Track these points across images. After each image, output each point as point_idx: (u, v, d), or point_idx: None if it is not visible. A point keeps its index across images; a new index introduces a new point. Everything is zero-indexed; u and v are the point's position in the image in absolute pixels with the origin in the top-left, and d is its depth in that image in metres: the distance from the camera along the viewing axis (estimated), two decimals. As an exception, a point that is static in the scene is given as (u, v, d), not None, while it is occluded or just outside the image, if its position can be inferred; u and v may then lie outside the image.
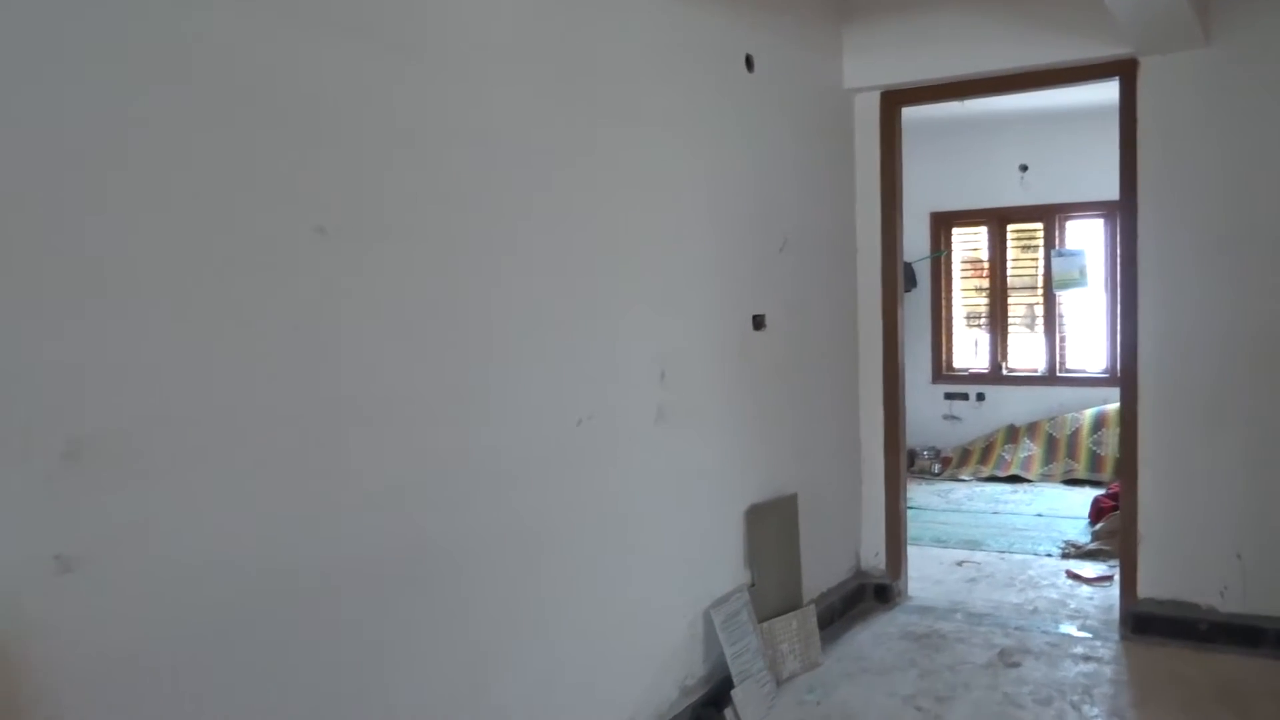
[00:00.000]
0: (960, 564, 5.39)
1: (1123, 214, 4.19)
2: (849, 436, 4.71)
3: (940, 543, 5.82)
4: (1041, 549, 5.62)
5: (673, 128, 3.31)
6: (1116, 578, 4.87)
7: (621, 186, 3.04)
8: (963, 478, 7.67)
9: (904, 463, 4.84)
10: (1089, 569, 5.15)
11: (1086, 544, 5.55)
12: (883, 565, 4.78)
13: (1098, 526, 5.68)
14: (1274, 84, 3.85)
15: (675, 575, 3.32)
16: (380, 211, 2.20)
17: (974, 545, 5.74)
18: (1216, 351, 4.00)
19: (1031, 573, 5.18)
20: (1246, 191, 3.92)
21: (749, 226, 3.79)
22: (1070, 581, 5.01)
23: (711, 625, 3.46)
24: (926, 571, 5.17)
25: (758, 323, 3.85)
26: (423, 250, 2.31)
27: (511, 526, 2.59)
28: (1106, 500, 6.10)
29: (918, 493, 7.19)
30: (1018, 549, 5.64)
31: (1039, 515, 6.43)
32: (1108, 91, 7.24)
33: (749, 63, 3.77)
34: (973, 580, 5.09)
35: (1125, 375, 4.23)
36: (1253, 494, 3.96)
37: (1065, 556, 5.44)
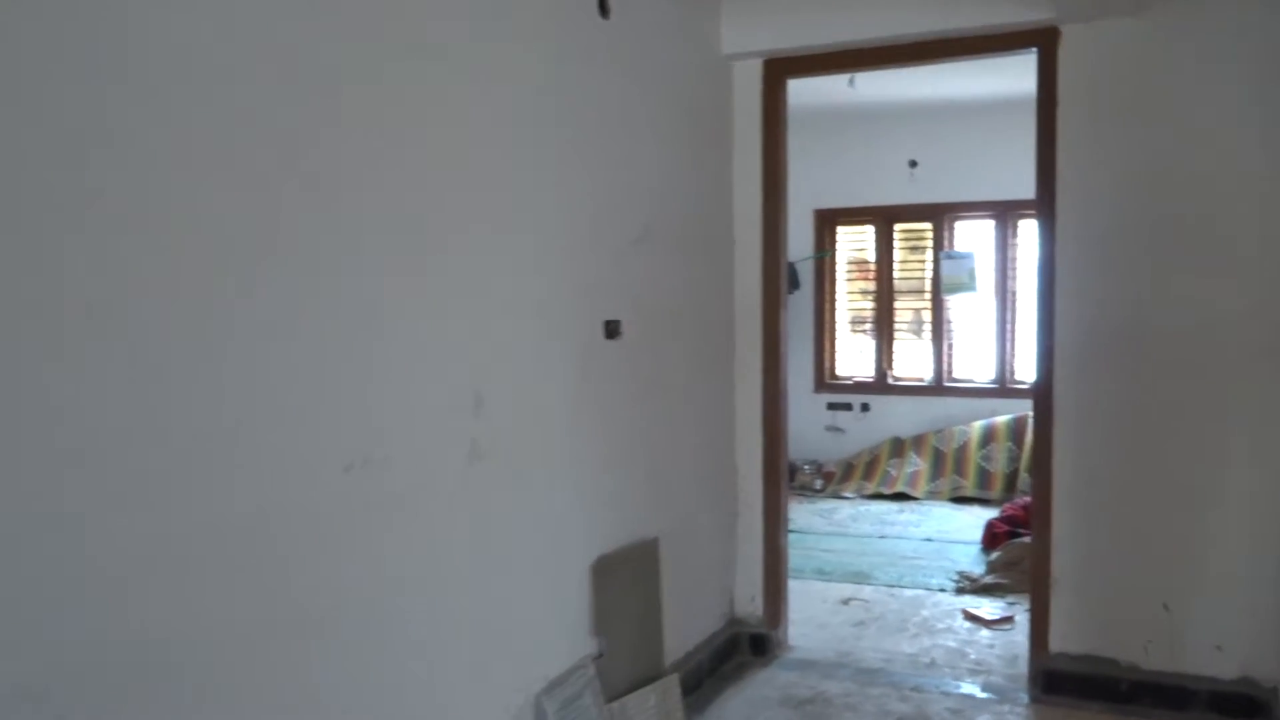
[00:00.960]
0: (847, 602, 4.78)
1: (1041, 206, 3.62)
2: (722, 463, 4.02)
3: (824, 575, 5.21)
4: (934, 581, 5.05)
5: (495, 76, 2.54)
6: (1019, 619, 4.35)
7: (424, 155, 2.25)
8: (846, 495, 7.12)
9: (785, 492, 4.19)
10: (986, 608, 4.59)
11: (982, 576, 5.01)
12: (760, 611, 4.10)
13: (993, 556, 5.15)
14: (1211, 59, 3.32)
15: (496, 656, 2.55)
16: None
17: (861, 578, 5.14)
18: (1145, 363, 3.46)
19: (925, 613, 4.60)
20: (1177, 182, 3.39)
21: (601, 212, 3.05)
22: (968, 624, 4.44)
23: (544, 716, 2.71)
24: (809, 612, 4.53)
25: (611, 330, 3.11)
26: (125, 240, 1.50)
27: (258, 612, 1.79)
28: (1000, 525, 5.60)
29: (799, 513, 6.60)
30: (908, 582, 5.06)
31: (928, 540, 5.89)
32: (1004, 83, 6.81)
33: (602, 6, 3.02)
34: (861, 624, 4.47)
35: (1039, 391, 3.65)
36: (1184, 533, 3.42)
37: (961, 592, 4.89)
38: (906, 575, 5.17)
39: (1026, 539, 5.11)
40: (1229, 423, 3.37)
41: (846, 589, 4.98)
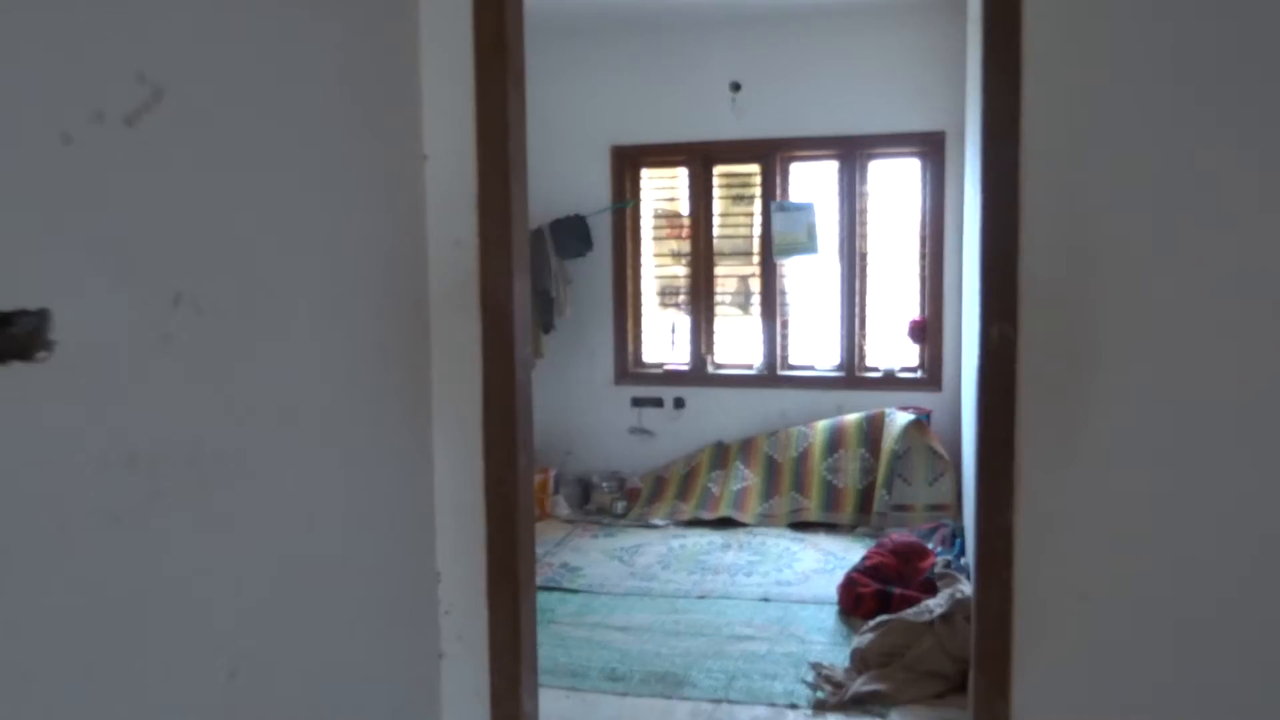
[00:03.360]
0: (649, 743, 3.03)
1: (989, 139, 1.90)
2: (404, 570, 2.15)
3: (616, 681, 3.44)
4: (779, 687, 3.37)
5: None
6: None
7: None
8: (656, 522, 5.40)
9: (533, 606, 2.36)
10: (864, 746, 2.94)
11: (849, 680, 3.36)
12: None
13: (863, 641, 3.50)
14: None
15: None
16: None
17: (673, 686, 3.40)
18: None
19: (771, 764, 2.90)
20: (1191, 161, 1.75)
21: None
22: (839, 785, 2.77)
23: None
24: (588, 776, 2.75)
25: (7, 344, 1.19)
26: None
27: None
28: (865, 581, 3.99)
29: (591, 556, 4.83)
30: (742, 689, 3.36)
31: (766, 599, 4.22)
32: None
33: None
34: (670, 799, 2.72)
35: (990, 378, 1.96)
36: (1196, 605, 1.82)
37: (820, 709, 3.22)
38: (740, 676, 3.46)
39: (908, 612, 3.51)
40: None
41: (650, 709, 3.23)
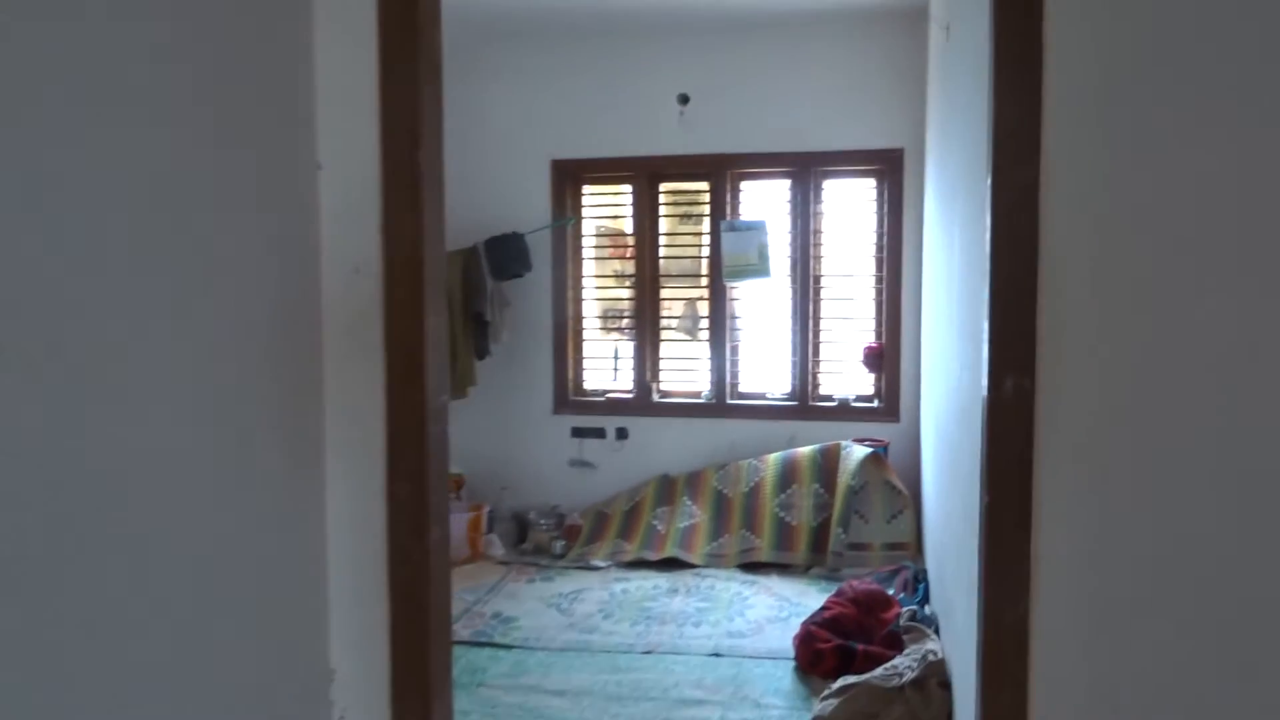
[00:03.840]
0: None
1: (1002, 160, 1.59)
2: (282, 667, 1.76)
3: (553, 760, 3.06)
4: (734, 764, 3.02)
5: None
6: None
7: None
8: (597, 563, 5.02)
9: (446, 707, 1.98)
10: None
11: (813, 754, 3.02)
12: None
13: (826, 709, 3.16)
14: None
15: None
16: None
17: (614, 764, 3.04)
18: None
19: None
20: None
21: None
22: None
23: None
24: None
25: None
26: None
27: None
28: (825, 635, 3.66)
29: (526, 603, 4.44)
30: (692, 766, 3.00)
31: (716, 654, 3.87)
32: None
33: None
34: None
35: (1003, 401, 1.63)
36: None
37: (780, 792, 2.87)
38: (689, 750, 3.11)
39: (875, 674, 3.18)
40: None
41: (589, 794, 2.86)
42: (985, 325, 1.61)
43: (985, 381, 1.60)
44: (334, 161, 1.76)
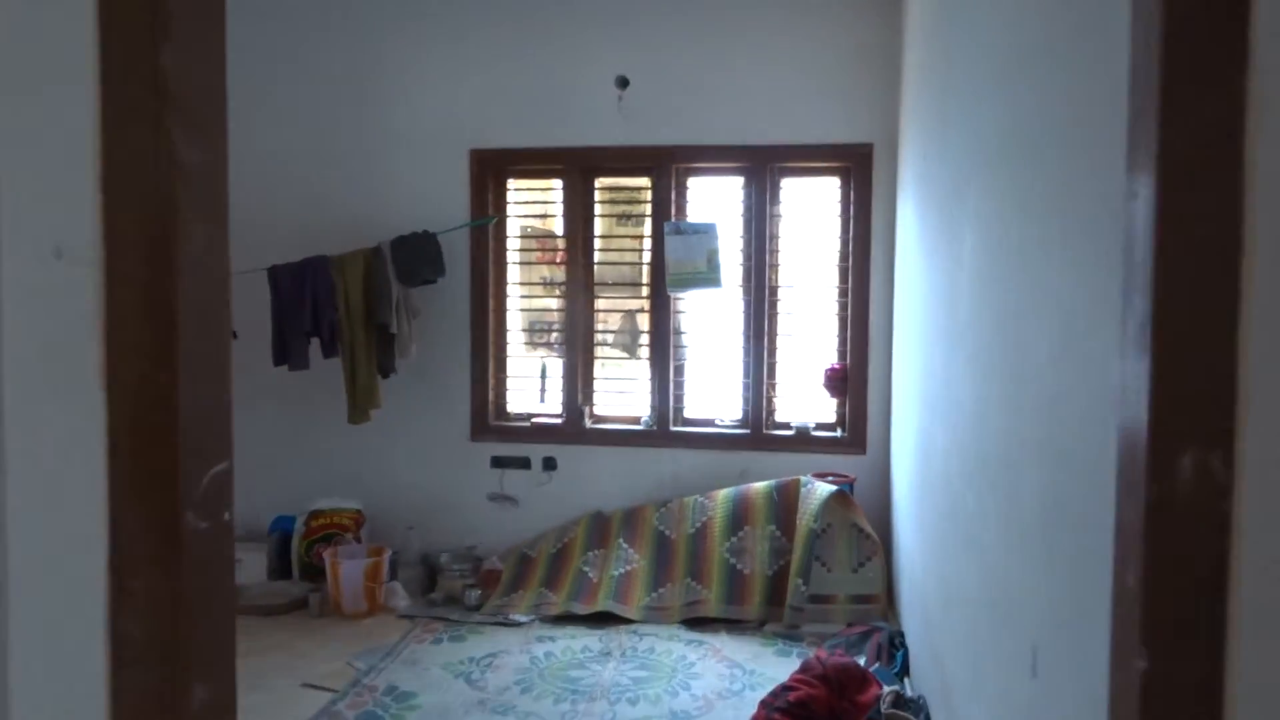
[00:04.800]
0: None
1: (1175, 173, 0.90)
2: None
3: None
4: None
5: None
6: None
7: None
8: (517, 618, 4.29)
9: None
10: None
11: None
12: None
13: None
14: None
15: None
16: None
17: None
18: None
19: None
20: None
21: None
22: None
23: None
24: None
25: None
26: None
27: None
28: (792, 727, 2.98)
29: (429, 674, 3.70)
30: None
31: (658, 745, 3.18)
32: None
33: None
34: None
35: (1170, 533, 0.95)
36: None
37: None
38: None
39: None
40: None
41: None
42: (1125, 369, 0.95)
43: (1125, 459, 0.94)
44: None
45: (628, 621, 4.23)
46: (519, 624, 4.25)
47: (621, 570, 4.47)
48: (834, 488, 4.30)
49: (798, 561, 4.23)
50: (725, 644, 4.02)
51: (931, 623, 3.03)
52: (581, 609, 4.30)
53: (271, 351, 4.49)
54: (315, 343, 4.55)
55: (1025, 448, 1.77)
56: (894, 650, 3.60)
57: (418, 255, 4.61)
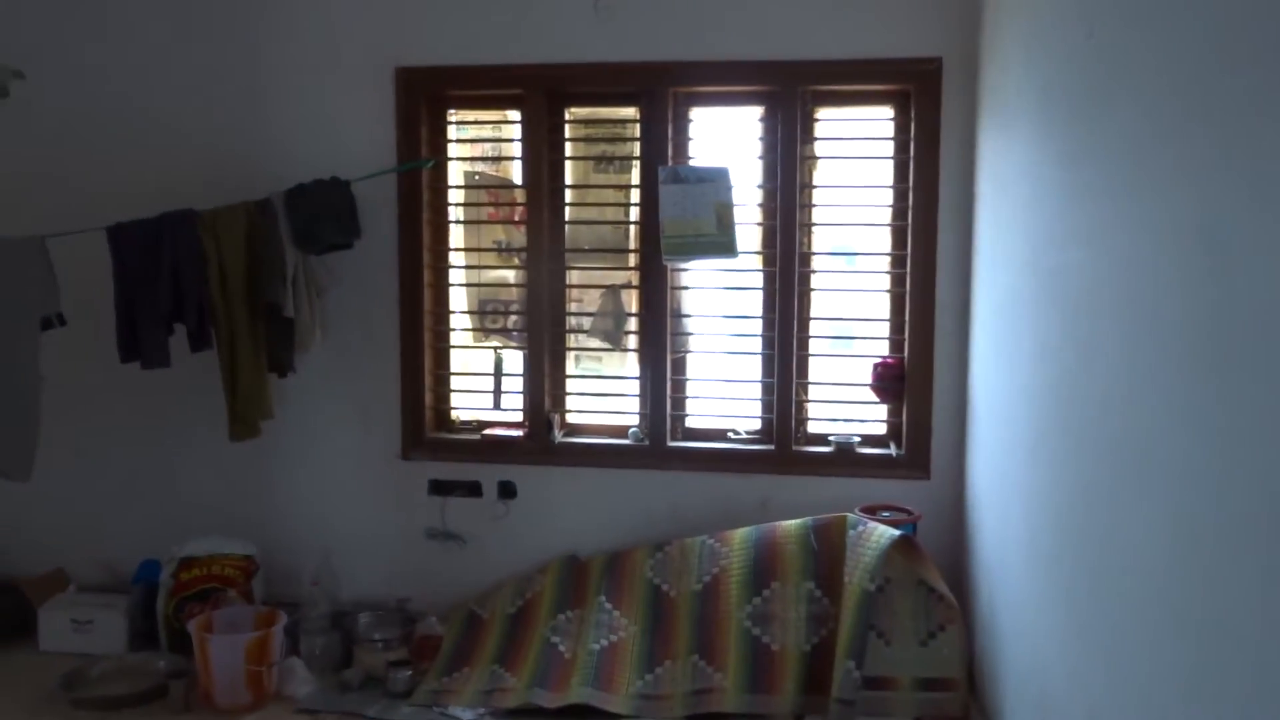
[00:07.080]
0: None
1: None
2: None
3: None
4: None
5: None
6: None
7: None
8: (458, 713, 3.11)
9: None
10: None
11: None
12: None
13: None
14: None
15: None
16: None
17: None
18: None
19: None
20: None
21: None
22: None
23: None
24: None
25: None
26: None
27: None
28: None
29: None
30: None
31: None
32: None
33: None
34: None
35: None
36: None
37: None
38: None
39: None
40: None
41: None
42: None
43: None
44: None
45: (611, 717, 3.06)
46: (460, 721, 3.06)
47: (603, 642, 3.28)
48: (895, 531, 3.12)
49: (847, 633, 3.03)
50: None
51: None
52: (548, 699, 3.12)
53: (116, 343, 3.27)
54: (181, 331, 3.33)
55: None
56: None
57: (322, 211, 3.39)
